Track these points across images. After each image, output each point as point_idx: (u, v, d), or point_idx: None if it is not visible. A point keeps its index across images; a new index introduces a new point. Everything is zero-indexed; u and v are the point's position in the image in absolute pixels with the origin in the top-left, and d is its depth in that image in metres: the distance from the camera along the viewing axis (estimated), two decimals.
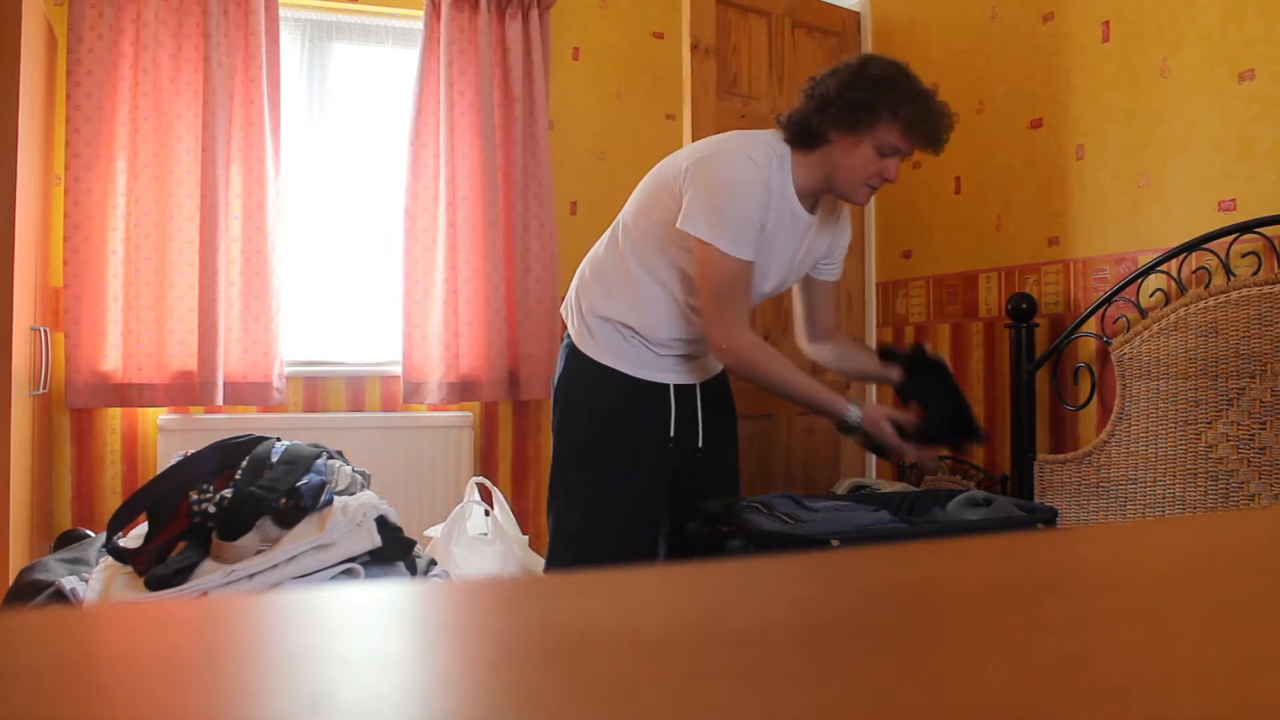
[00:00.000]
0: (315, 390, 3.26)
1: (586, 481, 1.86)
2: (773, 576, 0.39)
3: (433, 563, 1.90)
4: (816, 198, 1.86)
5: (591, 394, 1.88)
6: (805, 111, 1.76)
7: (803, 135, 1.76)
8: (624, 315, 1.85)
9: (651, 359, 1.88)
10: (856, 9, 3.37)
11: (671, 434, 1.90)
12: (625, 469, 1.84)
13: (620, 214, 1.90)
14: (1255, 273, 2.06)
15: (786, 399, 1.85)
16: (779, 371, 1.80)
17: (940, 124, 1.75)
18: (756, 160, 1.73)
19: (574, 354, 1.91)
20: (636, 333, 1.85)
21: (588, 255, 1.97)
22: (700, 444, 1.93)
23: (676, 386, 1.90)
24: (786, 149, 1.79)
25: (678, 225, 1.73)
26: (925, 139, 1.75)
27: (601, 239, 1.94)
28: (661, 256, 1.80)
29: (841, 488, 3.02)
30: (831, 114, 1.73)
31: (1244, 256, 2.10)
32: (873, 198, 3.32)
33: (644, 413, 1.88)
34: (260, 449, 1.81)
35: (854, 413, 1.78)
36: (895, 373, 1.97)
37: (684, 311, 1.84)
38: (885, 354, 2.02)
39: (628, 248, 1.85)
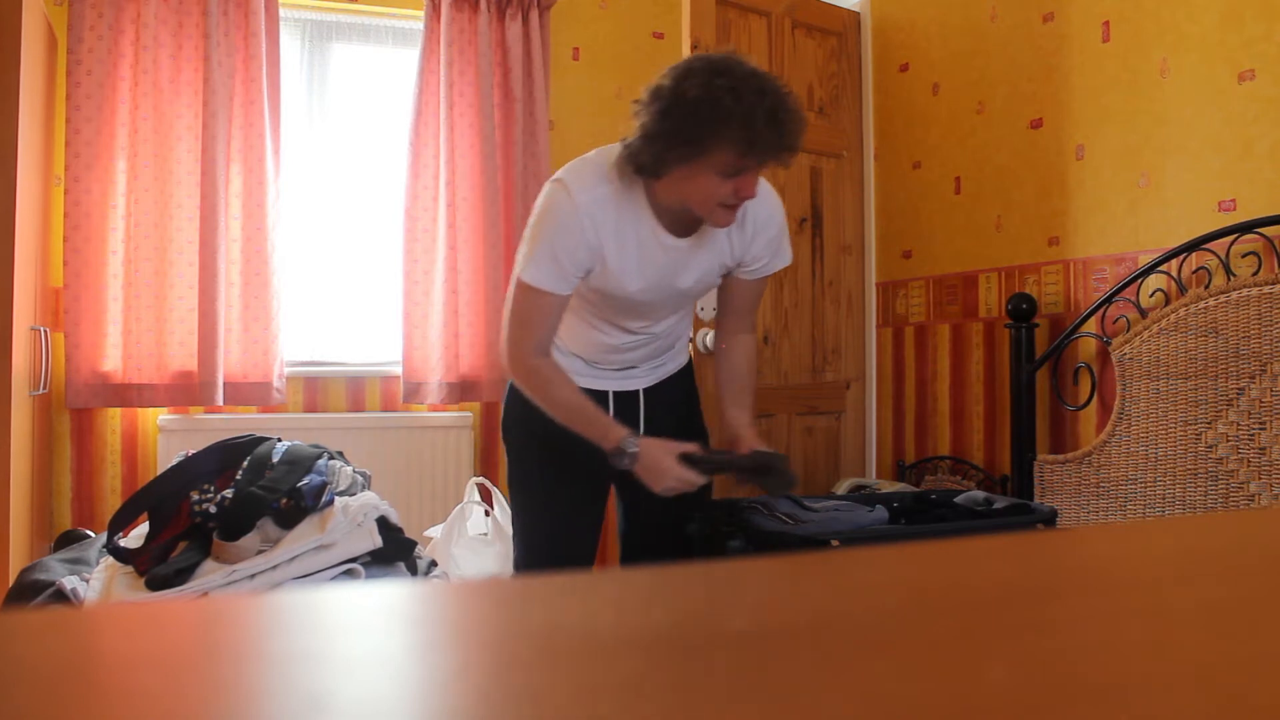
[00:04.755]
0: (315, 390, 3.26)
1: (531, 487, 1.88)
2: (773, 576, 0.39)
3: (433, 564, 1.90)
4: (691, 220, 1.73)
5: (532, 402, 1.86)
6: (634, 145, 1.61)
7: (641, 169, 1.62)
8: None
9: (587, 368, 1.87)
10: (856, 9, 3.37)
11: None
12: (564, 477, 1.84)
13: None
14: (1255, 273, 2.06)
15: (566, 425, 1.72)
16: (552, 393, 1.71)
17: (775, 137, 1.54)
18: (572, 187, 1.64)
19: None
20: (566, 345, 1.86)
21: None
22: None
23: (616, 394, 1.88)
24: None
25: None
26: (764, 158, 1.56)
27: None
28: None
29: (841, 488, 3.02)
30: (659, 148, 1.57)
31: (1244, 256, 2.10)
32: (872, 196, 3.37)
33: None
34: (261, 449, 1.81)
35: (629, 450, 1.65)
36: (729, 417, 1.83)
37: (597, 326, 1.82)
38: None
39: None
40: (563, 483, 1.85)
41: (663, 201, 1.67)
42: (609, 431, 1.67)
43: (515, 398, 1.90)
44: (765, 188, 1.77)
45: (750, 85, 1.53)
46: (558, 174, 1.70)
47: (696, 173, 1.58)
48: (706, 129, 1.52)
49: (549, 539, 1.88)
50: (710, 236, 1.74)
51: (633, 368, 1.90)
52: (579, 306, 1.80)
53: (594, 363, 1.88)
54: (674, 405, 1.95)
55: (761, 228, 1.78)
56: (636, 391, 1.90)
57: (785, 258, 1.86)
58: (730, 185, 1.58)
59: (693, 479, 1.66)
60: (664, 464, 1.65)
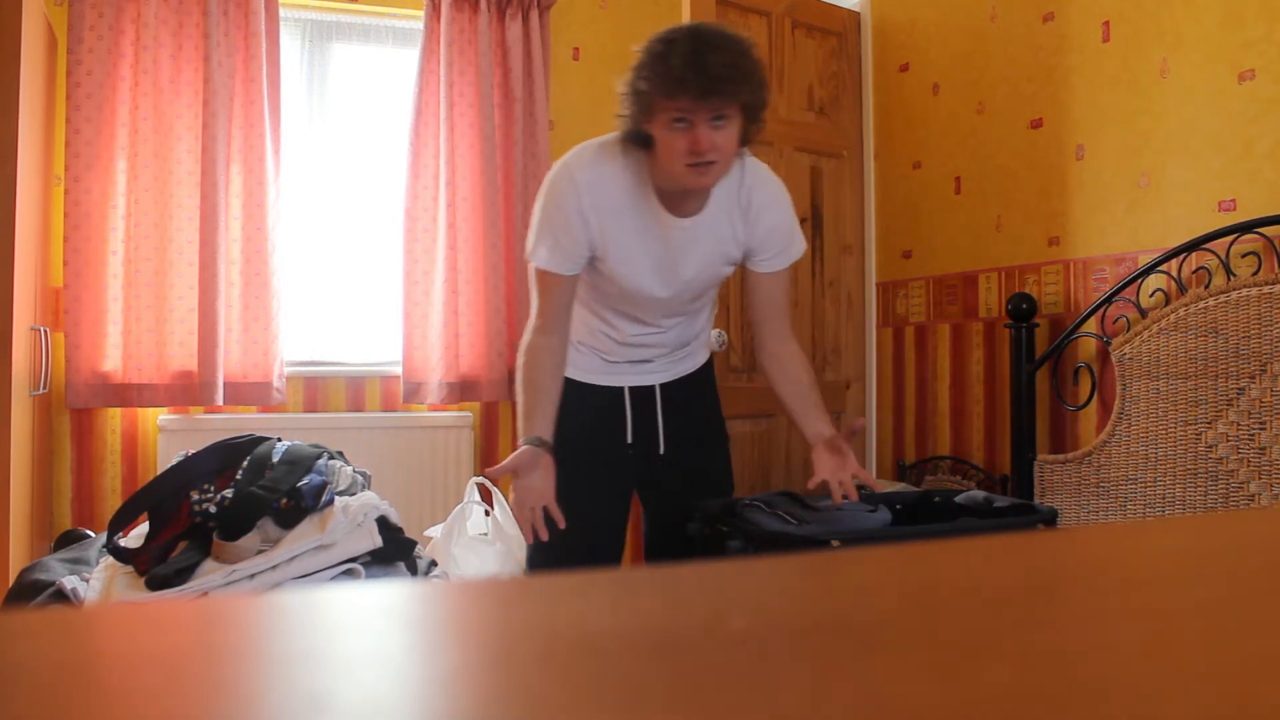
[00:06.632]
0: (315, 390, 3.26)
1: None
2: (773, 576, 0.39)
3: (433, 564, 1.90)
4: (695, 196, 1.73)
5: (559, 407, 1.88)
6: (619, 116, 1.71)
7: (625, 136, 1.70)
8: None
9: (603, 364, 1.89)
10: (856, 9, 3.37)
11: (629, 439, 1.91)
12: (583, 475, 1.84)
13: None
14: (1255, 273, 2.06)
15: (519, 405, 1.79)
16: (525, 372, 1.75)
17: (693, 77, 1.52)
18: (573, 166, 1.71)
19: None
20: (582, 340, 1.88)
21: None
22: (662, 449, 1.92)
23: (632, 389, 1.90)
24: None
25: None
26: (687, 98, 1.54)
27: None
28: None
29: None
30: (620, 110, 1.68)
31: (1244, 256, 2.10)
32: (872, 196, 3.37)
33: (599, 418, 1.89)
34: (261, 449, 1.81)
35: (526, 447, 1.67)
36: (814, 432, 1.83)
37: (607, 318, 1.85)
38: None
39: None
40: (585, 489, 1.85)
41: (656, 178, 1.71)
42: (529, 427, 1.71)
43: None
44: (764, 173, 1.80)
45: (683, 36, 1.57)
46: (565, 155, 1.76)
47: (655, 130, 1.62)
48: (641, 80, 1.60)
49: (570, 547, 1.85)
50: (710, 219, 1.75)
51: (648, 362, 1.91)
52: (592, 299, 1.83)
53: (610, 359, 1.90)
54: (690, 404, 1.96)
55: (763, 211, 1.78)
56: (653, 387, 1.92)
57: (799, 246, 1.87)
58: (684, 139, 1.58)
59: (540, 519, 1.68)
60: (536, 486, 1.68)
